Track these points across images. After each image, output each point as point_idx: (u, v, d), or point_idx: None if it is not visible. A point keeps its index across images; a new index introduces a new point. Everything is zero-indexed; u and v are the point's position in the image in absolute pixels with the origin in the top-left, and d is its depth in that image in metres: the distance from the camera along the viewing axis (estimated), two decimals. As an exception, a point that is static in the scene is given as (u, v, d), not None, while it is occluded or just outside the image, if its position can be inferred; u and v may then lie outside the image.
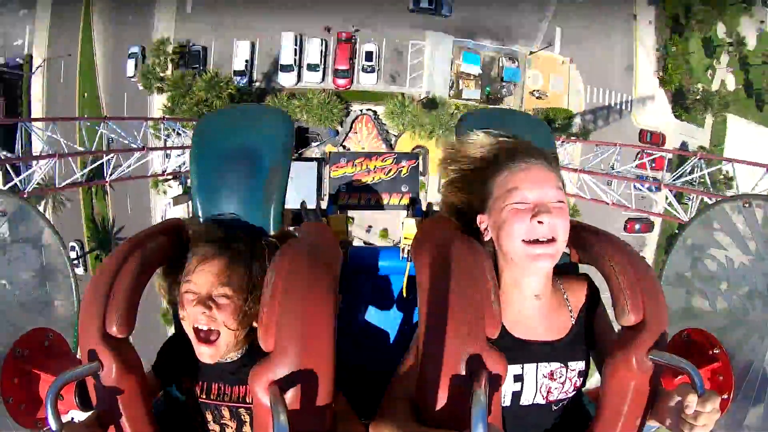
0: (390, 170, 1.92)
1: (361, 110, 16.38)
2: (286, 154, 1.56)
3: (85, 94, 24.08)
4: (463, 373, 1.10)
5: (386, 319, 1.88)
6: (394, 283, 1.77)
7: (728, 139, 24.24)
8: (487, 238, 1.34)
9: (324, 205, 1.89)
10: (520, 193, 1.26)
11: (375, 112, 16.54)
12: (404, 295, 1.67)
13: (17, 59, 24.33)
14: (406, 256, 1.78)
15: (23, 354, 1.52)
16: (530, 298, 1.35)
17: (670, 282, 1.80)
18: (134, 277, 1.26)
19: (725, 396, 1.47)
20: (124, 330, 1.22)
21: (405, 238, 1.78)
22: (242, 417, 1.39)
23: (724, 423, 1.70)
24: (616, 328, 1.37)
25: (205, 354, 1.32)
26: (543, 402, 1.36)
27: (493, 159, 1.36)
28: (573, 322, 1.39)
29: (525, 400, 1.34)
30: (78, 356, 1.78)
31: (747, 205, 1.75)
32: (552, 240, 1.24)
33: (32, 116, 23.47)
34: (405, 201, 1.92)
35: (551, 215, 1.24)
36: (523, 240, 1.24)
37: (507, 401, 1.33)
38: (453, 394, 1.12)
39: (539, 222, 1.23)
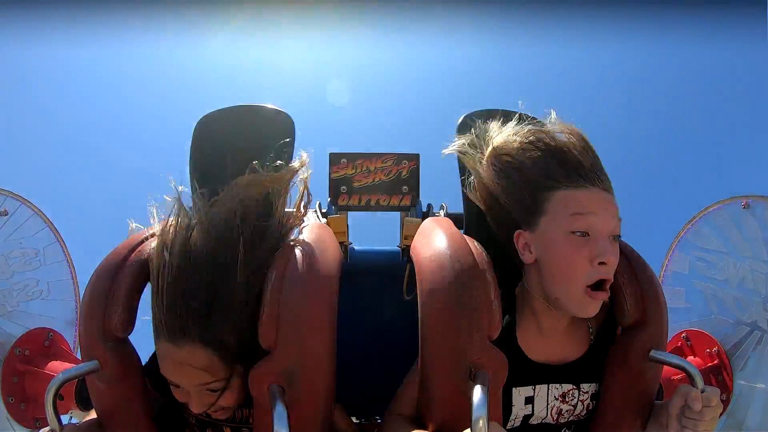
0: (390, 171, 1.92)
1: None
2: (286, 154, 1.55)
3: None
4: (464, 372, 1.10)
5: (386, 320, 1.88)
6: (394, 284, 1.77)
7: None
8: (530, 260, 1.20)
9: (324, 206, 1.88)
10: (582, 221, 1.14)
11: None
12: (404, 295, 1.67)
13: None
14: (406, 256, 1.78)
15: (24, 353, 1.53)
16: (554, 329, 1.26)
17: (669, 282, 1.81)
18: (134, 276, 1.26)
19: (723, 397, 1.47)
20: (125, 329, 1.22)
21: (405, 238, 1.78)
22: None
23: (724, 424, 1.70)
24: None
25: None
26: (552, 423, 1.30)
27: (546, 168, 1.20)
28: (591, 341, 1.30)
29: (534, 420, 1.29)
30: (78, 356, 1.79)
31: (746, 207, 1.76)
32: (605, 284, 1.15)
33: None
34: (406, 202, 1.92)
35: (614, 254, 1.14)
36: (586, 285, 1.13)
37: (517, 423, 1.27)
38: (453, 394, 1.12)
39: (601, 263, 1.12)
